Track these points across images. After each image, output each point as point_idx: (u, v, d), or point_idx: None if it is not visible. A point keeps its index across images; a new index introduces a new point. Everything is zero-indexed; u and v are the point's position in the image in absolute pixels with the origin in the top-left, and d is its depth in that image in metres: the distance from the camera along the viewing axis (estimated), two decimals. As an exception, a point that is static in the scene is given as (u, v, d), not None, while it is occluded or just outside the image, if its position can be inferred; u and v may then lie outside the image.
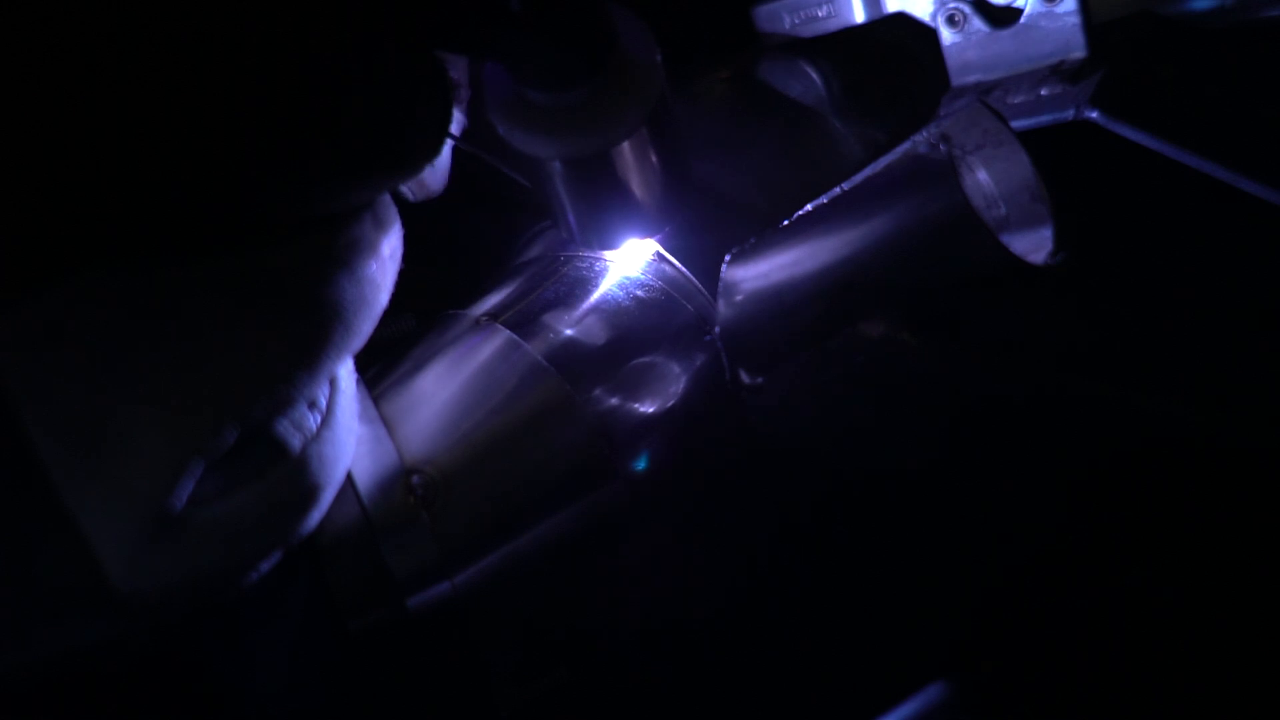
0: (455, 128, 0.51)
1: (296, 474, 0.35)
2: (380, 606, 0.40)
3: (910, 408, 0.45)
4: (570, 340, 0.46)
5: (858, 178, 0.41)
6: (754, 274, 0.45)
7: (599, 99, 0.37)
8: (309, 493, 0.35)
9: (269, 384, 0.32)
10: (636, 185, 0.41)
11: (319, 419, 0.36)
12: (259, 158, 0.29)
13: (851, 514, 0.49)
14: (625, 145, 0.39)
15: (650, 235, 0.47)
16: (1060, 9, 0.49)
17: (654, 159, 0.41)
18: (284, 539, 0.35)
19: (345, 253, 0.33)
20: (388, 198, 0.36)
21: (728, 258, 0.45)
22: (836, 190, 0.41)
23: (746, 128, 0.56)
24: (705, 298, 0.48)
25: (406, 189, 0.51)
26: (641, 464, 0.46)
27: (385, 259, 0.35)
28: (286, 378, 0.32)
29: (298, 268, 0.32)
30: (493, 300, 0.49)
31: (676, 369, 0.47)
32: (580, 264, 0.50)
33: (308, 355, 0.32)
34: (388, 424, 0.43)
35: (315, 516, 0.36)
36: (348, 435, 0.38)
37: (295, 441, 0.34)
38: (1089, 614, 0.45)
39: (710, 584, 0.49)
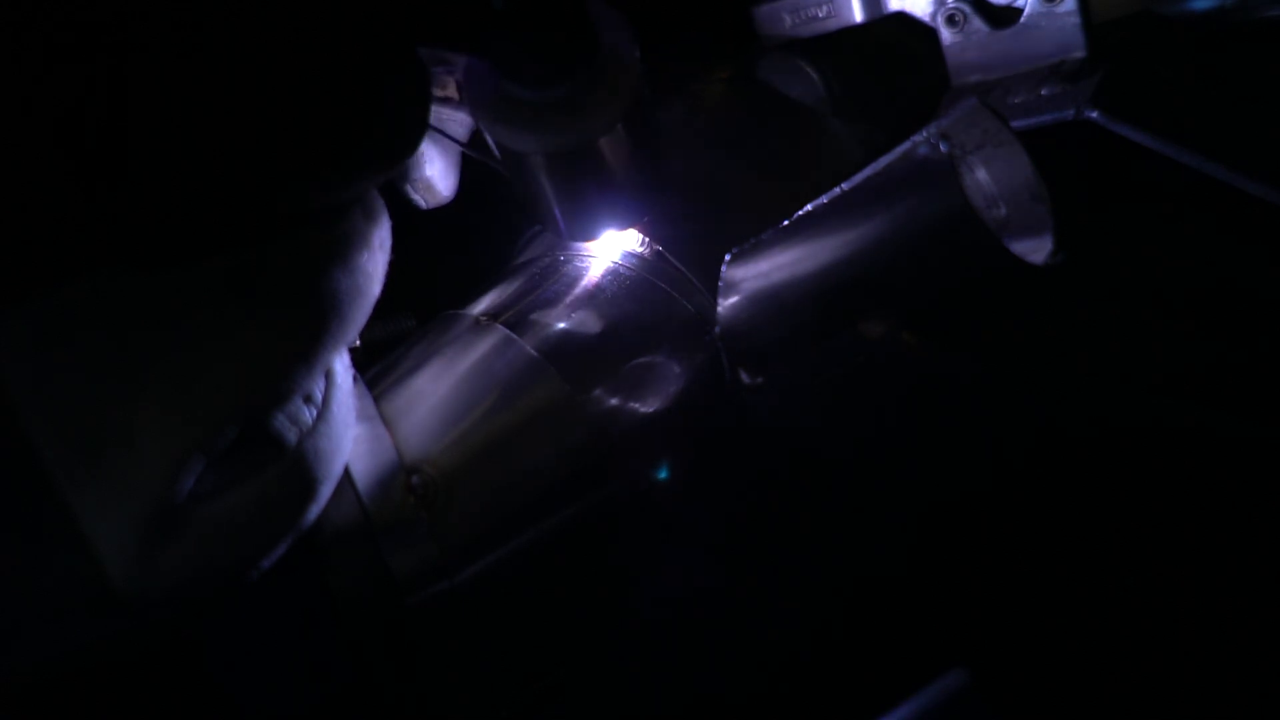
0: (462, 131, 0.51)
1: (293, 469, 0.35)
2: (380, 606, 0.40)
3: (910, 407, 0.45)
4: (570, 339, 0.46)
5: (858, 178, 0.41)
6: (754, 273, 0.45)
7: (581, 94, 0.37)
8: (306, 487, 0.36)
9: (267, 379, 0.32)
10: (616, 176, 0.41)
11: (315, 413, 0.36)
12: (257, 157, 0.29)
13: (852, 513, 0.49)
14: (607, 137, 0.39)
15: (631, 225, 0.48)
16: (1060, 9, 0.49)
17: (633, 150, 0.41)
18: (283, 534, 0.35)
19: (338, 246, 0.33)
20: (375, 191, 0.36)
21: (728, 257, 0.45)
22: (836, 190, 0.41)
23: (746, 128, 0.56)
24: (705, 297, 0.48)
25: (418, 196, 0.51)
26: (641, 463, 0.46)
27: (376, 250, 0.35)
28: (284, 373, 0.32)
29: (293, 263, 0.32)
30: (492, 300, 0.49)
31: (676, 368, 0.47)
32: (579, 263, 0.51)
33: (305, 349, 0.33)
34: (388, 423, 0.43)
35: (313, 511, 0.36)
36: (344, 429, 0.38)
37: (291, 437, 0.34)
38: (1089, 614, 0.45)
39: (709, 582, 0.49)
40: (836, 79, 0.57)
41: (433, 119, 0.49)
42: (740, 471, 0.49)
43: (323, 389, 0.37)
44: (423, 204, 0.52)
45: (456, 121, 0.51)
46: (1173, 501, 0.43)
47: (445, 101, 0.50)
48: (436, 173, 0.51)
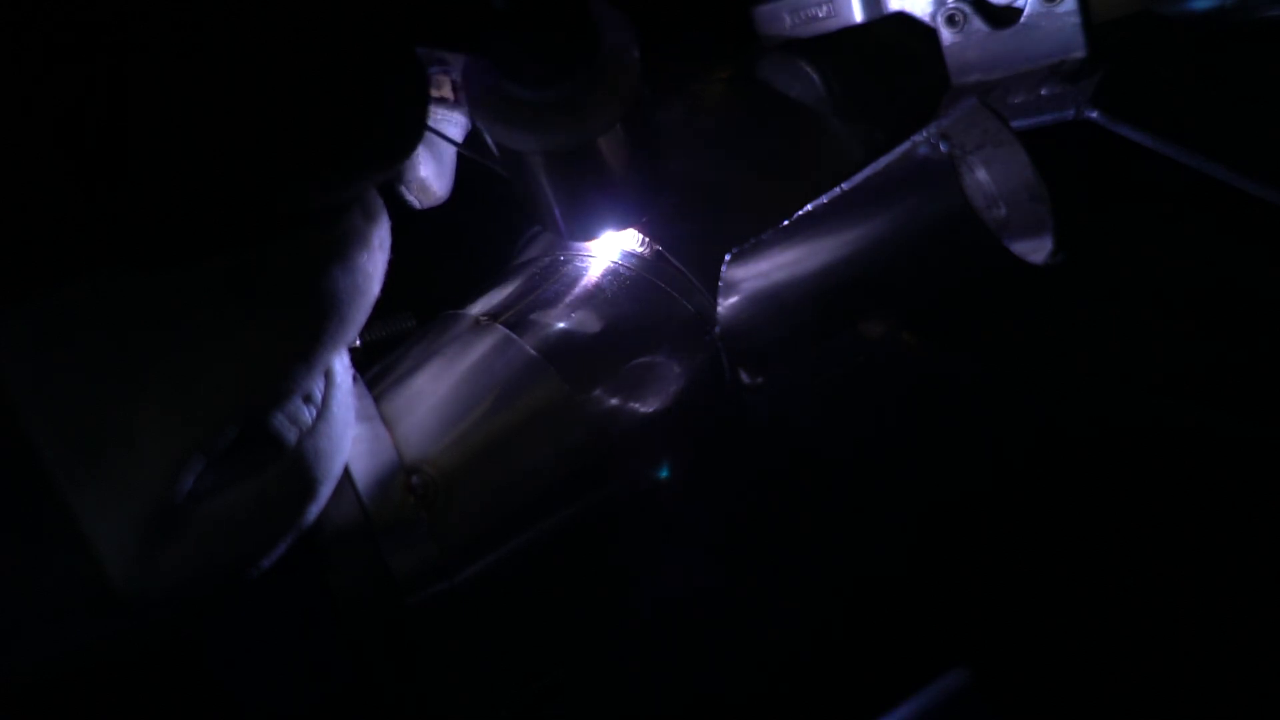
0: (458, 132, 0.51)
1: (293, 469, 0.35)
2: (380, 606, 0.40)
3: (910, 407, 0.45)
4: (570, 339, 0.46)
5: (858, 178, 0.41)
6: (754, 273, 0.45)
7: (582, 94, 0.37)
8: (306, 487, 0.36)
9: (267, 379, 0.32)
10: (615, 175, 0.41)
11: (314, 413, 0.36)
12: (257, 158, 0.29)
13: (852, 513, 0.49)
14: (605, 137, 0.39)
15: (630, 224, 0.48)
16: (1060, 9, 0.49)
17: (631, 150, 0.41)
18: (283, 533, 0.35)
19: (338, 245, 0.33)
20: (374, 190, 0.36)
21: (728, 257, 0.45)
22: (836, 190, 0.41)
23: (746, 128, 0.56)
24: (705, 297, 0.48)
25: (412, 197, 0.51)
26: (641, 463, 0.46)
27: (375, 249, 0.35)
28: (284, 372, 0.32)
29: (293, 263, 0.32)
30: (492, 300, 0.49)
31: (676, 368, 0.47)
32: (579, 263, 0.51)
33: (304, 349, 0.33)
34: (388, 423, 0.43)
35: (313, 510, 0.36)
36: (344, 429, 0.38)
37: (291, 436, 0.34)
38: (1089, 614, 0.45)
39: (709, 582, 0.49)
40: (836, 79, 0.57)
41: (429, 119, 0.49)
42: (740, 471, 0.49)
43: (322, 389, 0.37)
44: (417, 204, 0.52)
45: (452, 122, 0.51)
46: (1173, 501, 0.43)
47: (441, 102, 0.50)
48: (431, 173, 0.51)
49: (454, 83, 0.52)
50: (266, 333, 0.32)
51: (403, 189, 0.51)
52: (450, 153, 0.52)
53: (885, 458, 0.47)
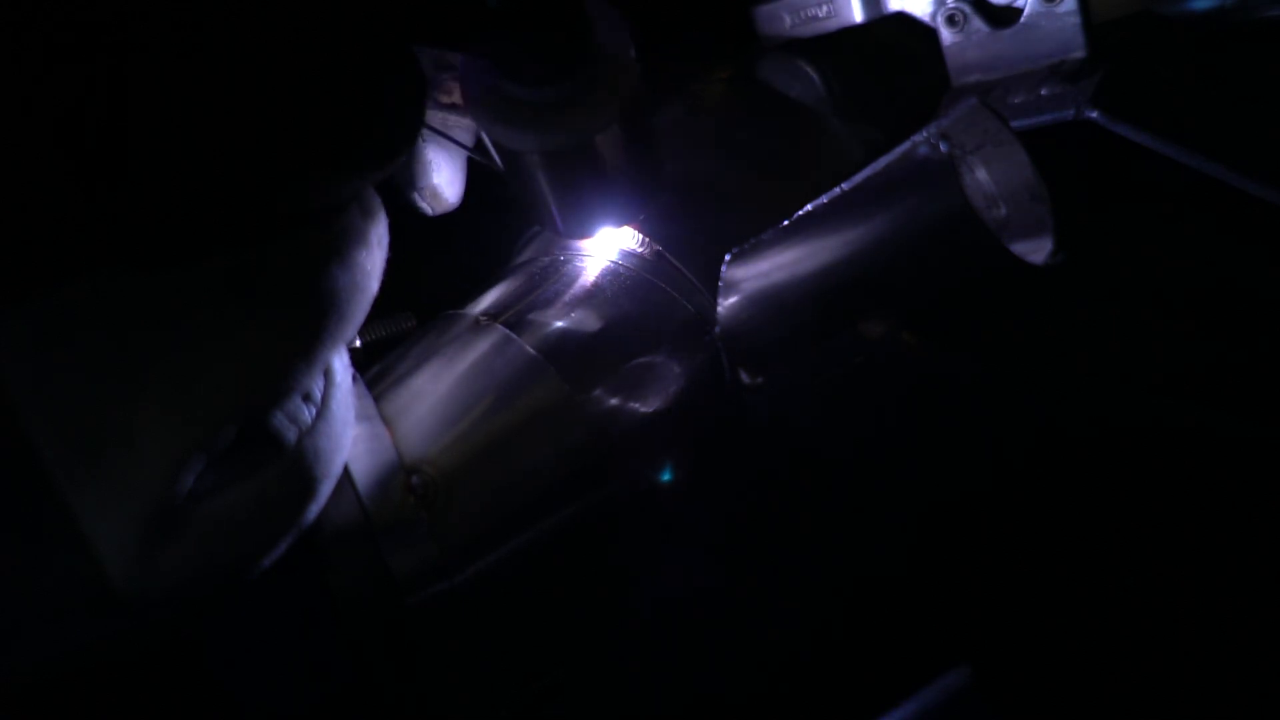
0: (468, 136, 0.51)
1: (292, 468, 0.35)
2: (380, 606, 0.40)
3: (910, 407, 0.45)
4: (569, 339, 0.46)
5: (858, 178, 0.41)
6: (754, 273, 0.45)
7: (580, 92, 0.37)
8: (305, 486, 0.36)
9: (267, 379, 0.32)
10: (612, 173, 0.42)
11: (314, 412, 0.36)
12: (257, 157, 0.29)
13: (852, 513, 0.49)
14: (602, 134, 0.39)
15: (626, 222, 0.48)
16: (1060, 9, 0.49)
17: (627, 147, 0.41)
18: (283, 533, 0.35)
19: (337, 244, 0.33)
20: (372, 189, 0.36)
21: (728, 257, 0.45)
22: (836, 190, 0.42)
23: (746, 128, 0.56)
24: (705, 297, 0.48)
25: (424, 204, 0.51)
26: (641, 463, 0.46)
27: (374, 247, 0.35)
28: (284, 372, 0.32)
29: (293, 262, 0.32)
30: (492, 300, 0.49)
31: (676, 368, 0.47)
32: (579, 263, 0.51)
33: (304, 347, 0.33)
34: (388, 423, 0.43)
35: (313, 510, 0.36)
36: (343, 428, 0.38)
37: (290, 435, 0.34)
38: (1089, 614, 0.45)
39: (709, 582, 0.49)
40: (836, 79, 0.57)
41: (439, 125, 0.49)
42: (740, 471, 0.49)
43: (322, 388, 0.37)
44: (430, 211, 0.52)
45: (463, 128, 0.51)
46: (1173, 501, 0.43)
47: (451, 108, 0.50)
48: (443, 180, 0.51)
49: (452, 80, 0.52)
50: (266, 332, 0.32)
51: (415, 195, 0.51)
52: (462, 159, 0.52)
53: (885, 458, 0.47)
